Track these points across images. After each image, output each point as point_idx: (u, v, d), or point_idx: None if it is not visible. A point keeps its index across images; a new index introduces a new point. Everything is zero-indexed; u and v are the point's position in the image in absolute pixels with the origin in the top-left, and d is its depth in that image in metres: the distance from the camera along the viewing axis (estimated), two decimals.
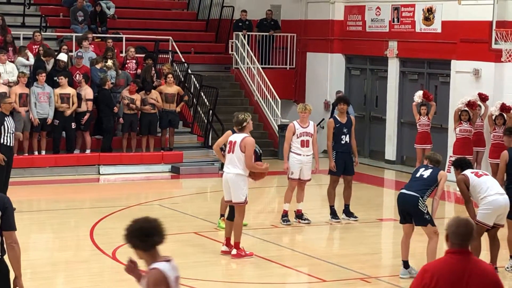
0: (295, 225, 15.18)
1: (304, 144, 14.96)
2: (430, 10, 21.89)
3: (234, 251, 12.91)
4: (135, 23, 26.03)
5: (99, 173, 20.60)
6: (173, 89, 21.77)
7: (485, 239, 12.04)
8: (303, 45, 25.52)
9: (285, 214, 15.16)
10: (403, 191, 12.05)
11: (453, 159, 18.71)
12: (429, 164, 12.23)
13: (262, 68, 24.80)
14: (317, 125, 23.47)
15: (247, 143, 12.60)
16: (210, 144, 20.73)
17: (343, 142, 15.53)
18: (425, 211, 11.77)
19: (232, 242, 12.97)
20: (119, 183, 20.36)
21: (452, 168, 17.29)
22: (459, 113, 19.08)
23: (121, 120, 20.95)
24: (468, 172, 12.10)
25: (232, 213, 13.04)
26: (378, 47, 23.25)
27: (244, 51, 25.29)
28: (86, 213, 16.39)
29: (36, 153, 20.31)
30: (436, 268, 6.13)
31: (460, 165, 12.58)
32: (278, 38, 26.04)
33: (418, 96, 20.11)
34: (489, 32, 15.24)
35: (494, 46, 15.47)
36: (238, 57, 25.57)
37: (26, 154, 19.89)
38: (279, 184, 15.46)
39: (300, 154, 14.94)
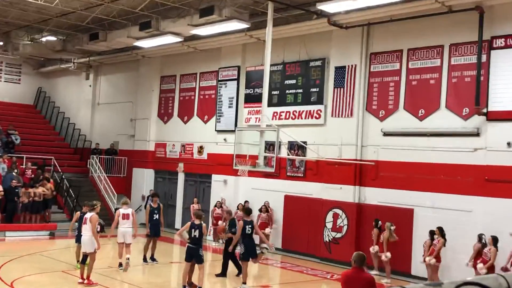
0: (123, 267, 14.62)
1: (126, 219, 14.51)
2: (201, 147, 22.30)
3: (86, 281, 12.36)
4: (32, 148, 24.72)
5: (5, 236, 19.11)
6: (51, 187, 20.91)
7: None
8: (131, 164, 25.10)
9: (120, 264, 14.31)
10: (190, 245, 11.87)
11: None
12: (196, 219, 12.04)
13: (107, 176, 24.20)
14: (136, 209, 23.22)
15: (93, 218, 12.31)
16: None
17: (154, 218, 15.38)
18: (202, 255, 11.68)
19: (85, 277, 12.41)
20: (17, 242, 18.87)
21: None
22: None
23: (20, 204, 19.76)
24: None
25: (84, 259, 12.52)
26: (173, 166, 23.27)
27: (96, 166, 24.67)
28: None
29: None
30: (345, 274, 7.07)
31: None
32: (117, 159, 25.59)
33: (195, 201, 20.21)
34: (232, 159, 15.77)
35: (234, 167, 15.94)
36: (93, 169, 24.88)
37: None
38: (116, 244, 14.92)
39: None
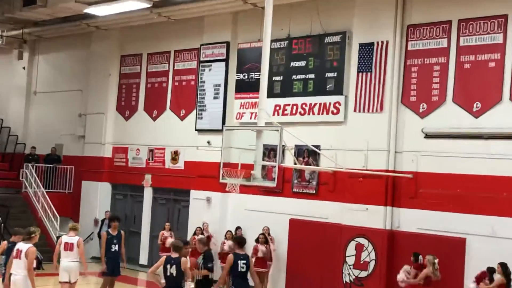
0: None
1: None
2: (176, 153, 22.33)
3: None
4: None
5: None
6: None
7: None
8: (80, 175, 25.07)
9: None
10: None
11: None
12: (173, 252, 12.02)
13: (46, 191, 24.16)
14: (87, 237, 23.19)
15: (30, 252, 12.24)
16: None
17: (112, 250, 15.44)
18: None
19: None
20: None
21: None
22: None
23: None
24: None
25: None
26: (137, 178, 23.30)
27: (32, 178, 24.67)
28: None
29: None
30: None
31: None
32: (60, 169, 25.58)
33: (167, 227, 20.31)
34: (218, 170, 15.80)
35: (221, 180, 15.96)
36: (27, 182, 24.88)
37: None
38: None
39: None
